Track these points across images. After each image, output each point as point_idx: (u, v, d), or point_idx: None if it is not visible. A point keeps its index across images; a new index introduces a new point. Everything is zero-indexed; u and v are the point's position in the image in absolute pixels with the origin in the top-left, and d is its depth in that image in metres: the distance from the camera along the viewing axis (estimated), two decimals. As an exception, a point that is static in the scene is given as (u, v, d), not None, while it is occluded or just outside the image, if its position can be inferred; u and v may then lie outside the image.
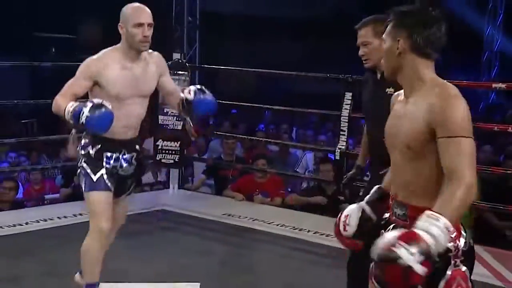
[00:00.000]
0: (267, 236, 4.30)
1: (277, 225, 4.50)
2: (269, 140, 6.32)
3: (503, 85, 3.99)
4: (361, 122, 5.99)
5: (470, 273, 1.76)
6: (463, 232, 1.75)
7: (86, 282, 2.82)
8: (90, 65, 2.71)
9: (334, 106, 4.71)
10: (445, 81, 1.75)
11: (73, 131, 2.85)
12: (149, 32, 2.67)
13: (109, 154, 2.77)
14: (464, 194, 1.63)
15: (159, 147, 5.26)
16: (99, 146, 2.76)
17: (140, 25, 2.65)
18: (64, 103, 2.61)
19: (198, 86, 2.73)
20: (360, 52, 2.69)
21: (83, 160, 2.78)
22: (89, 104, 2.53)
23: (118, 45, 2.75)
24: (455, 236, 1.68)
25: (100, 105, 2.54)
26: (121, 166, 2.80)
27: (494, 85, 4.88)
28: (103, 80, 2.68)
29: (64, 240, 4.07)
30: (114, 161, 2.78)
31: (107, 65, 2.69)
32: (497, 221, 4.77)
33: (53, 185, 5.86)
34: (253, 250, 4.04)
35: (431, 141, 1.69)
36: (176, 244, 4.06)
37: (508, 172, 4.24)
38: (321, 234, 4.29)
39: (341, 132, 4.58)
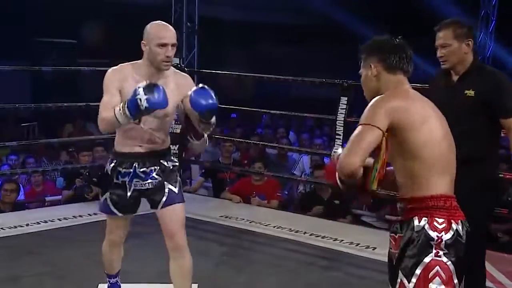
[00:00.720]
0: (264, 238, 4.30)
1: (274, 227, 4.51)
2: (266, 144, 6.33)
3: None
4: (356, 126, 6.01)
5: (458, 270, 1.84)
6: (455, 226, 1.85)
7: (105, 273, 3.06)
8: (114, 74, 2.66)
9: (331, 111, 4.72)
10: (402, 90, 1.94)
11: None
12: (172, 52, 2.61)
13: (120, 169, 2.71)
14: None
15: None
16: (115, 161, 2.73)
17: (164, 45, 2.59)
18: (110, 112, 2.52)
19: (200, 85, 2.60)
20: (439, 54, 2.76)
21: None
22: (139, 89, 2.42)
23: (139, 61, 2.69)
24: (442, 228, 1.83)
25: (150, 84, 2.45)
26: (131, 181, 2.71)
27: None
28: (124, 92, 2.60)
29: (65, 241, 4.07)
30: (123, 176, 2.71)
31: (126, 77, 2.64)
32: (494, 225, 4.78)
33: (54, 187, 5.86)
34: (250, 251, 4.04)
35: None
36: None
37: (500, 175, 4.24)
38: (317, 236, 4.30)
39: (337, 136, 4.60)
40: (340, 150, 1.95)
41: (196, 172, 6.46)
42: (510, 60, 11.45)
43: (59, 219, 4.51)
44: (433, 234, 1.82)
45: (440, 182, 1.87)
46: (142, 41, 2.65)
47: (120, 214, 2.78)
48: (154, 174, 2.72)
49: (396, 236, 1.92)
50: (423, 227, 1.84)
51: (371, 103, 1.90)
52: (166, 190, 2.72)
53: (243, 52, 12.10)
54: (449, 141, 1.93)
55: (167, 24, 2.69)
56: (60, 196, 5.43)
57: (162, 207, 2.72)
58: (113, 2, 10.55)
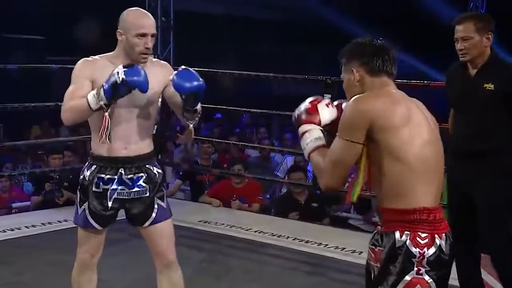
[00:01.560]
0: (244, 243, 4.31)
1: (255, 231, 4.53)
2: (246, 144, 6.34)
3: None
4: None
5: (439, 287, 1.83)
6: (438, 241, 1.83)
7: None
8: (85, 64, 2.52)
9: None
10: (385, 90, 1.92)
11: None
12: (151, 43, 2.47)
13: (102, 175, 2.53)
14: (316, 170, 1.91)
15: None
16: (95, 167, 2.55)
17: (143, 35, 2.44)
18: (81, 101, 2.38)
19: (183, 67, 2.44)
20: (459, 46, 2.84)
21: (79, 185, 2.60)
22: (118, 68, 2.32)
23: (113, 52, 2.55)
24: (425, 243, 1.82)
25: (130, 64, 2.36)
26: (114, 190, 2.53)
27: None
28: (96, 84, 2.43)
29: (33, 249, 4.04)
30: (106, 183, 2.53)
31: (99, 68, 2.49)
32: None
33: (21, 193, 5.81)
34: (230, 257, 4.05)
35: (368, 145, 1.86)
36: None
37: None
38: (300, 241, 4.32)
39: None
40: (302, 107, 2.00)
41: (169, 175, 6.46)
42: (501, 54, 11.59)
43: (27, 227, 4.48)
44: (415, 251, 1.81)
45: (423, 193, 1.84)
46: (118, 30, 2.50)
47: (99, 228, 2.60)
48: (141, 182, 2.56)
49: (376, 250, 1.88)
50: (405, 243, 1.82)
51: (349, 105, 1.88)
52: (156, 206, 2.58)
53: (221, 48, 12.10)
54: (435, 149, 1.89)
55: (145, 11, 2.55)
56: (29, 202, 5.39)
57: (150, 224, 2.59)
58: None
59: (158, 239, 2.61)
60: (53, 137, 7.42)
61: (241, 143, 6.54)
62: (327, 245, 4.22)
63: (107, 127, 2.44)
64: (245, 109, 5.51)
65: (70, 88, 2.49)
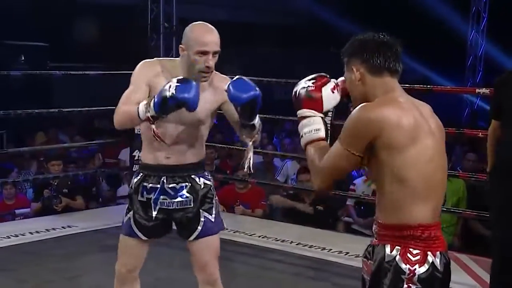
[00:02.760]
0: (248, 248, 4.31)
1: (259, 236, 4.52)
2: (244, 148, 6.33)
3: (486, 90, 4.05)
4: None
5: None
6: (431, 259, 1.75)
7: None
8: (146, 66, 2.43)
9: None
10: (392, 98, 1.80)
11: (250, 143, 2.44)
12: (213, 61, 2.35)
13: (146, 184, 2.46)
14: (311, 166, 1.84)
15: (136, 158, 5.25)
16: (140, 175, 2.49)
17: (205, 53, 2.32)
18: (132, 107, 2.30)
19: (237, 77, 2.33)
20: None
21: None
22: (171, 81, 2.21)
23: (176, 60, 2.45)
24: (416, 260, 1.74)
25: (184, 78, 2.25)
26: (156, 199, 2.45)
27: (477, 90, 4.95)
28: (153, 89, 2.36)
29: (36, 256, 4.04)
30: (148, 192, 2.46)
31: (158, 74, 2.40)
32: (483, 229, 4.84)
33: (25, 200, 5.82)
34: (234, 262, 4.04)
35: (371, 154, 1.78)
36: (155, 258, 4.03)
37: None
38: (303, 245, 4.32)
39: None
40: (305, 86, 1.88)
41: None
42: (502, 58, 11.57)
43: (31, 233, 4.48)
44: (405, 267, 1.73)
45: (420, 210, 1.75)
46: (180, 45, 2.39)
47: (144, 238, 2.50)
48: (184, 192, 2.46)
49: (368, 262, 1.84)
50: (394, 258, 1.75)
51: (354, 113, 1.77)
52: (202, 219, 2.48)
53: (224, 54, 12.13)
54: (437, 162, 1.80)
55: (211, 26, 2.41)
56: (29, 209, 5.39)
57: (195, 239, 2.48)
58: (87, 2, 10.53)
59: (202, 254, 2.51)
60: (57, 144, 7.42)
61: (245, 148, 6.53)
62: (330, 249, 4.22)
63: (159, 136, 2.33)
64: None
65: (128, 90, 2.42)
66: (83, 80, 9.07)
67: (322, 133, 1.87)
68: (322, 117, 1.88)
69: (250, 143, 2.42)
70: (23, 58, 9.79)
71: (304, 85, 1.89)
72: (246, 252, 4.25)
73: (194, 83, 2.23)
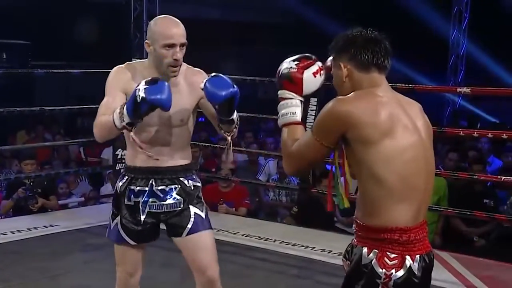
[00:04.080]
0: (232, 247, 4.31)
1: (242, 235, 4.53)
2: (234, 148, 6.33)
3: (467, 90, 4.10)
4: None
5: None
6: (408, 263, 1.70)
7: None
8: (119, 73, 2.36)
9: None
10: (369, 92, 1.77)
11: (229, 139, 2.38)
12: (180, 54, 2.29)
13: (133, 187, 2.38)
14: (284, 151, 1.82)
15: (119, 157, 5.23)
16: (126, 178, 2.41)
17: (171, 46, 2.26)
18: (108, 118, 2.22)
19: (213, 74, 2.26)
20: None
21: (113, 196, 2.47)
22: (142, 83, 2.14)
23: (146, 60, 2.39)
24: (393, 264, 1.69)
25: (154, 78, 2.16)
26: (145, 202, 2.37)
27: (459, 90, 5.02)
28: (128, 96, 2.27)
29: (19, 255, 4.01)
30: (136, 196, 2.38)
31: (132, 77, 2.33)
32: (464, 227, 4.90)
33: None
34: (218, 261, 4.04)
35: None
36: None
37: (474, 177, 4.35)
38: (287, 244, 4.33)
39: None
40: (287, 68, 1.85)
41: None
42: (484, 58, 11.69)
43: (12, 232, 4.43)
44: (380, 271, 1.69)
45: (399, 212, 1.69)
46: (146, 41, 2.34)
47: (133, 242, 2.42)
48: (174, 194, 2.39)
49: (347, 262, 1.80)
50: (371, 262, 1.70)
51: (327, 105, 1.74)
52: (192, 215, 2.40)
53: (207, 52, 12.11)
54: (421, 165, 1.73)
55: (175, 19, 2.35)
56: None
57: (187, 235, 2.39)
58: (70, 0, 10.45)
59: (196, 252, 2.40)
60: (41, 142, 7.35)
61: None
62: (314, 248, 4.24)
63: (139, 145, 2.25)
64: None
65: (104, 100, 2.34)
66: (65, 78, 9.02)
67: (298, 117, 1.84)
68: (301, 100, 1.86)
69: (229, 137, 2.37)
70: (4, 56, 9.71)
71: (287, 65, 1.86)
72: (229, 250, 4.25)
73: (164, 82, 2.16)
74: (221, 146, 6.46)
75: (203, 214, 2.44)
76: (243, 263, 4.02)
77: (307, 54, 1.89)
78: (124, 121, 2.17)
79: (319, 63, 1.88)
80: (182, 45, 2.30)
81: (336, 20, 10.79)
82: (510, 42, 10.77)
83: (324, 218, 5.23)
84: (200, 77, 2.36)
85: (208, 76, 2.27)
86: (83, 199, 5.99)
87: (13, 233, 4.43)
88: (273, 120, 6.89)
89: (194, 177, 2.48)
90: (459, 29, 10.64)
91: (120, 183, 2.42)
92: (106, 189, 6.12)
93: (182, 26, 2.32)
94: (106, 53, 9.35)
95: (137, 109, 2.13)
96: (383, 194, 1.69)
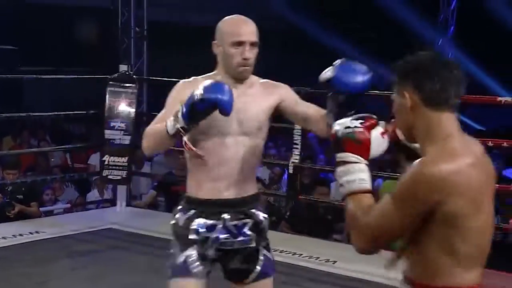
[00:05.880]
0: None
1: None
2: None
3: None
4: (308, 136, 6.04)
5: None
6: None
7: None
8: (184, 86, 2.16)
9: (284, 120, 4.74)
10: (452, 149, 1.48)
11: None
12: (251, 53, 2.11)
13: (201, 221, 2.13)
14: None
15: (106, 163, 5.20)
16: (192, 211, 2.16)
17: (240, 43, 2.10)
18: (161, 125, 2.05)
19: (343, 59, 2.04)
20: None
21: (172, 232, 2.23)
22: (204, 84, 1.97)
23: (215, 72, 2.21)
24: None
25: (214, 81, 2.01)
26: (217, 238, 2.13)
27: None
28: None
29: (5, 261, 3.97)
30: (207, 230, 2.13)
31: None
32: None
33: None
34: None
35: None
36: (125, 263, 4.01)
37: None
38: (275, 250, 4.23)
39: (294, 146, 4.62)
40: (350, 127, 1.58)
41: (144, 186, 6.41)
42: (470, 66, 11.77)
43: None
44: None
45: (464, 276, 1.50)
46: (214, 42, 2.18)
47: (198, 279, 2.15)
48: (246, 230, 2.17)
49: None
50: None
51: (416, 170, 1.45)
52: (261, 257, 2.20)
53: (196, 58, 12.10)
54: (490, 229, 1.53)
55: (245, 17, 2.19)
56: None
57: (254, 281, 2.19)
58: (58, 6, 10.41)
59: None
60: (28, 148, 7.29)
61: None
62: (301, 254, 4.22)
63: (192, 149, 2.06)
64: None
65: (160, 113, 2.16)
66: (53, 84, 8.97)
67: (368, 185, 1.57)
68: (367, 165, 1.61)
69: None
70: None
71: (349, 124, 1.60)
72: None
73: (224, 83, 1.99)
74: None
75: (271, 256, 2.25)
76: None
77: (370, 115, 1.65)
78: (178, 124, 1.98)
79: (382, 123, 1.65)
80: (252, 44, 2.13)
81: (326, 29, 10.84)
82: (496, 50, 10.85)
83: (320, 226, 5.21)
84: (278, 86, 2.24)
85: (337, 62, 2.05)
86: (69, 205, 5.93)
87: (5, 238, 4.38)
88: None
89: (262, 208, 2.25)
90: (445, 37, 10.71)
91: (185, 217, 2.17)
92: (93, 195, 6.08)
93: (252, 24, 2.16)
94: (94, 59, 9.32)
95: (194, 109, 1.94)
96: (453, 263, 1.49)
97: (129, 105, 5.17)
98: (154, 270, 3.84)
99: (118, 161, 5.17)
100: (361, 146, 1.59)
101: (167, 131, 2.01)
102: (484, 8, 10.94)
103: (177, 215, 2.20)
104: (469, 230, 1.46)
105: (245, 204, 2.17)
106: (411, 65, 1.54)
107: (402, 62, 1.57)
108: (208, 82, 1.98)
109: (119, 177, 5.19)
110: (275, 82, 2.27)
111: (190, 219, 2.15)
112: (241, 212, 2.16)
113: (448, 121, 1.51)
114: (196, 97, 1.93)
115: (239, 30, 2.12)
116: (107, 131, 5.18)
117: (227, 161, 2.13)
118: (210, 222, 2.14)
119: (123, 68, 5.35)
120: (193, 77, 2.21)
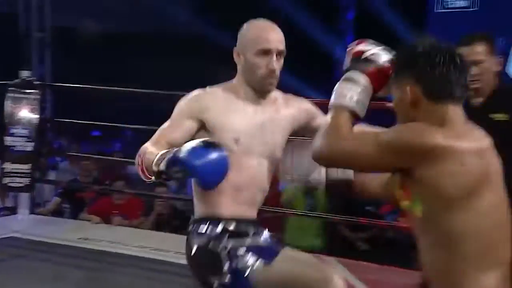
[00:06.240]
0: (126, 259, 4.29)
1: (136, 246, 4.51)
2: (128, 160, 6.29)
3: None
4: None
5: None
6: None
7: None
8: (199, 97, 1.92)
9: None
10: (455, 126, 1.40)
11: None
12: (277, 64, 1.89)
13: (235, 242, 1.90)
14: None
15: (6, 171, 5.06)
16: (221, 228, 1.93)
17: (267, 52, 1.87)
18: (156, 151, 1.80)
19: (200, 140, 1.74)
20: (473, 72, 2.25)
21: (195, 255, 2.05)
22: (197, 141, 1.70)
23: (231, 82, 1.98)
24: None
25: (213, 143, 1.71)
26: (246, 262, 1.89)
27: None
28: (208, 125, 1.89)
29: None
30: (245, 255, 1.90)
31: (211, 104, 1.91)
32: (348, 232, 5.14)
33: None
34: (111, 273, 4.01)
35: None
36: (27, 272, 3.93)
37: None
38: (182, 254, 4.35)
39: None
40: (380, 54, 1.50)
41: (48, 193, 6.28)
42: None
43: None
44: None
45: (483, 280, 1.36)
46: (235, 49, 1.94)
47: None
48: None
49: None
50: None
51: (412, 127, 1.38)
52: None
53: (104, 64, 11.91)
54: (507, 226, 1.40)
55: (273, 23, 1.94)
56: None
57: None
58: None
59: None
60: None
61: (123, 159, 6.48)
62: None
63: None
64: (128, 125, 5.48)
65: (164, 125, 1.93)
66: None
67: (363, 113, 1.48)
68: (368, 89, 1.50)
69: None
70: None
71: (386, 53, 1.52)
72: (123, 262, 4.23)
73: (224, 152, 1.69)
74: (115, 158, 6.40)
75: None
76: (138, 275, 4.01)
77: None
78: (160, 165, 1.73)
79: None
80: (279, 53, 1.90)
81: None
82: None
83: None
84: (302, 102, 2.06)
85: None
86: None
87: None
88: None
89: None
90: (344, 47, 11.14)
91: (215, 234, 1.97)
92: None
93: (280, 31, 1.92)
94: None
95: (172, 164, 1.71)
96: (465, 266, 1.37)
97: (31, 111, 5.07)
98: (57, 277, 3.81)
99: (20, 168, 5.05)
100: (379, 80, 1.49)
101: (152, 164, 1.78)
102: (381, 21, 11.48)
103: (205, 232, 2.04)
104: (465, 217, 1.35)
105: (260, 224, 2.02)
106: (412, 55, 1.41)
107: (399, 52, 1.46)
108: (205, 141, 1.71)
109: (21, 184, 5.07)
110: (298, 98, 2.09)
111: (220, 238, 1.97)
112: (261, 232, 2.00)
113: (455, 114, 1.40)
114: (181, 154, 1.68)
115: (266, 36, 1.89)
116: (7, 138, 5.05)
117: (248, 181, 1.94)
118: (243, 245, 1.93)
119: (24, 74, 5.22)
120: (208, 87, 1.98)
